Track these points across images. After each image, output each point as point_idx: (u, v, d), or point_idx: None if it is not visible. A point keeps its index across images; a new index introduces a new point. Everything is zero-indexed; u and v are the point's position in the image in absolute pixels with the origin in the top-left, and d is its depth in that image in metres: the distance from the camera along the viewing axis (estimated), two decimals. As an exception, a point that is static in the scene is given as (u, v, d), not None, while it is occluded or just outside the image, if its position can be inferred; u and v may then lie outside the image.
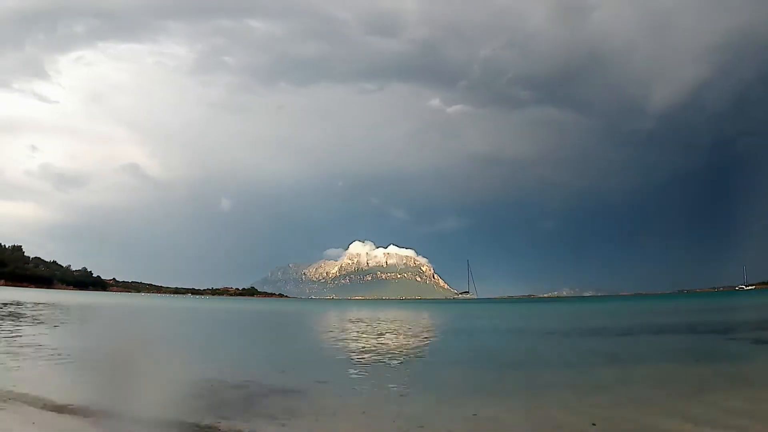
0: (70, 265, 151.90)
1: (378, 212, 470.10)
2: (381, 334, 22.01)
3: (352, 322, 31.71)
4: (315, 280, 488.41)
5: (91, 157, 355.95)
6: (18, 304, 35.95)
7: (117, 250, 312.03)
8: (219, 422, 6.70)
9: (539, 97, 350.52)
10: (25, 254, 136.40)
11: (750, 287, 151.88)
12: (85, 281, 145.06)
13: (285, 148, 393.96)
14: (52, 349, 12.81)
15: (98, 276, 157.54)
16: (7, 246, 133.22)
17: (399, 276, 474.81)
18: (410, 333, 23.22)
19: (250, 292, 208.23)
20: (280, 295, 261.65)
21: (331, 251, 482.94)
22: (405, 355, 14.37)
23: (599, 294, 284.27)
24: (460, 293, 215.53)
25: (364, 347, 16.17)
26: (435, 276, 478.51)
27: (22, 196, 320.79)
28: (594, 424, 6.44)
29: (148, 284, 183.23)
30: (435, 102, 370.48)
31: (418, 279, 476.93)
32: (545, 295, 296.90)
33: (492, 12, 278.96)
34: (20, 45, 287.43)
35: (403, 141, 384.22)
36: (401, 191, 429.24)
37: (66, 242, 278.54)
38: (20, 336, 15.62)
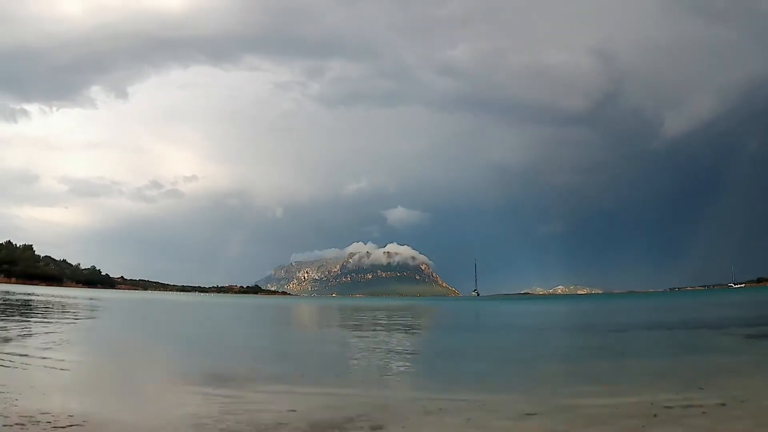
0: (79, 264, 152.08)
1: (380, 212, 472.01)
2: (361, 329, 21.78)
3: (343, 316, 31.50)
4: (317, 278, 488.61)
5: (131, 169, 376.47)
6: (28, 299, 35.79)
7: (130, 252, 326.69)
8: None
9: (564, 119, 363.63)
10: (35, 253, 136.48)
11: (739, 285, 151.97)
12: (93, 279, 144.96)
13: (311, 161, 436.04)
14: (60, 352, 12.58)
15: (107, 274, 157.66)
16: (18, 245, 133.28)
17: (399, 274, 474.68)
18: (402, 328, 22.98)
19: (254, 290, 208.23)
20: (283, 293, 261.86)
21: (333, 250, 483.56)
22: (393, 349, 14.12)
23: (593, 292, 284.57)
24: (473, 291, 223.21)
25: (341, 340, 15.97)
26: (434, 274, 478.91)
27: (64, 203, 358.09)
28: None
29: (155, 282, 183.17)
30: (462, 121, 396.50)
31: (417, 277, 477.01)
32: (541, 293, 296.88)
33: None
34: (108, 69, 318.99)
35: (425, 154, 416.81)
36: (407, 194, 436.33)
37: (88, 244, 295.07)
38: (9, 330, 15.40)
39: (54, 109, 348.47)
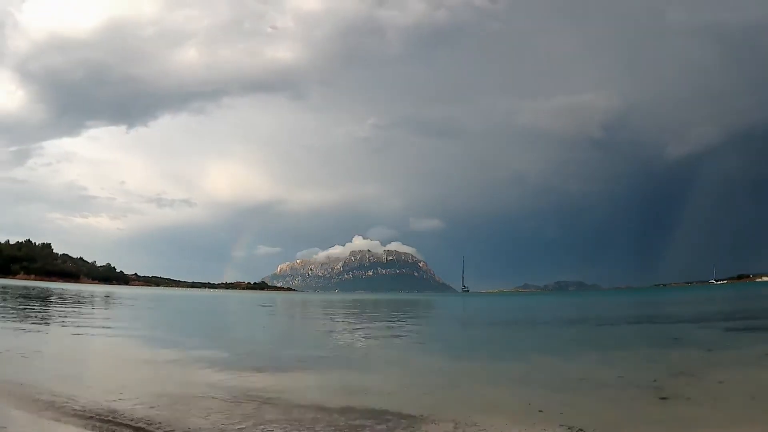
0: (95, 261, 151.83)
1: (380, 212, 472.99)
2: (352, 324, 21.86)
3: (338, 310, 31.58)
4: (321, 275, 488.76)
5: (163, 182, 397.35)
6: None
7: (146, 252, 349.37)
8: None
9: (579, 142, 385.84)
10: (53, 251, 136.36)
11: (721, 282, 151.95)
12: (108, 276, 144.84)
13: (339, 176, 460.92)
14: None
15: (121, 271, 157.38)
16: (37, 243, 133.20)
17: (398, 272, 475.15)
18: (395, 321, 23.05)
19: (261, 286, 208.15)
20: (288, 289, 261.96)
21: (336, 249, 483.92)
22: (384, 341, 14.21)
23: (581, 289, 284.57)
24: (463, 290, 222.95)
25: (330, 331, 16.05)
26: (431, 272, 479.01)
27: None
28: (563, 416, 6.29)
29: (166, 279, 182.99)
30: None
31: (416, 274, 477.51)
32: (532, 290, 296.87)
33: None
34: (191, 100, 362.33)
35: (445, 172, 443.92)
36: (409, 197, 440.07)
37: (112, 246, 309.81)
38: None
39: (124, 128, 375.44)
